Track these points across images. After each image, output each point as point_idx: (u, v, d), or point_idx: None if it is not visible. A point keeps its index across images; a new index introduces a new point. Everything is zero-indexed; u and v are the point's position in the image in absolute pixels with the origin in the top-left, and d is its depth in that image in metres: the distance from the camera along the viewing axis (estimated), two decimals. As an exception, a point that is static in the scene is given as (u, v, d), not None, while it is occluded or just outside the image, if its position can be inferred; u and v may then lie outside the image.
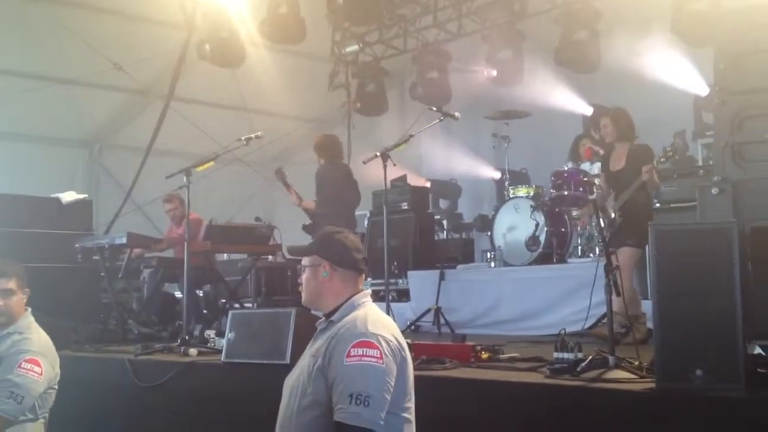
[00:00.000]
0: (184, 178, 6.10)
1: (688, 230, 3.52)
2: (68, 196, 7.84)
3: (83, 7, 10.40)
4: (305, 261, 3.18)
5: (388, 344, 2.88)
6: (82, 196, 8.00)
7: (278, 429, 3.05)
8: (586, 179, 7.85)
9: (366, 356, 2.82)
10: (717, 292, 3.29)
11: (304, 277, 3.16)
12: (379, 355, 2.83)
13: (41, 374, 4.47)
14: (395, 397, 2.86)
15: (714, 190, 3.77)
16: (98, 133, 13.35)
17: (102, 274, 7.56)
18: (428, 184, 10.45)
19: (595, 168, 8.32)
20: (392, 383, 2.85)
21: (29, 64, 10.89)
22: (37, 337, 4.62)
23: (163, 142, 10.87)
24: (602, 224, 7.92)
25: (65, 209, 7.75)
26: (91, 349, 6.48)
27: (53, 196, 7.87)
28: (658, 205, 7.14)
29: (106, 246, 7.31)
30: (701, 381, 3.27)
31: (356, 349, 2.83)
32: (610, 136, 6.31)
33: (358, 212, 10.65)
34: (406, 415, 2.93)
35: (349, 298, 3.07)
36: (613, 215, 6.06)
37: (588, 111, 10.00)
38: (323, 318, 3.14)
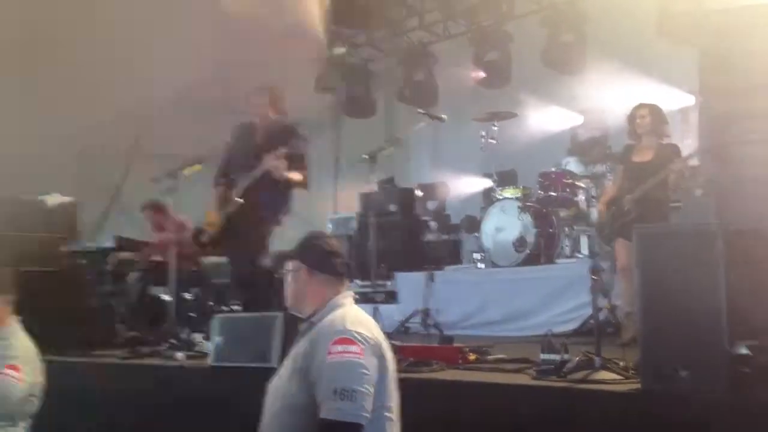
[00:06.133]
0: (172, 181, 6.07)
1: (672, 232, 3.55)
2: (53, 199, 7.79)
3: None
4: (288, 265, 3.22)
5: (367, 341, 2.91)
6: (67, 198, 7.95)
7: (260, 432, 3.05)
8: (572, 181, 7.89)
9: (347, 352, 2.84)
10: (701, 293, 3.32)
11: (287, 280, 3.21)
12: (359, 351, 2.86)
13: (20, 380, 4.43)
14: (377, 395, 2.88)
15: (697, 192, 3.79)
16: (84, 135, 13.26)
17: (88, 277, 7.53)
18: (418, 190, 10.42)
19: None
20: (374, 377, 2.87)
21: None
22: (21, 344, 4.59)
23: (149, 144, 10.80)
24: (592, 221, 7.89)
25: (50, 212, 7.70)
26: (78, 354, 6.45)
27: (38, 198, 7.83)
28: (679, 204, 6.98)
29: (93, 250, 7.27)
30: (686, 382, 3.29)
31: (336, 346, 2.86)
32: (646, 127, 6.18)
33: (345, 215, 10.66)
34: (388, 414, 2.94)
35: (330, 300, 3.10)
36: (626, 207, 5.96)
37: (575, 116, 10.01)
38: (305, 321, 3.17)
